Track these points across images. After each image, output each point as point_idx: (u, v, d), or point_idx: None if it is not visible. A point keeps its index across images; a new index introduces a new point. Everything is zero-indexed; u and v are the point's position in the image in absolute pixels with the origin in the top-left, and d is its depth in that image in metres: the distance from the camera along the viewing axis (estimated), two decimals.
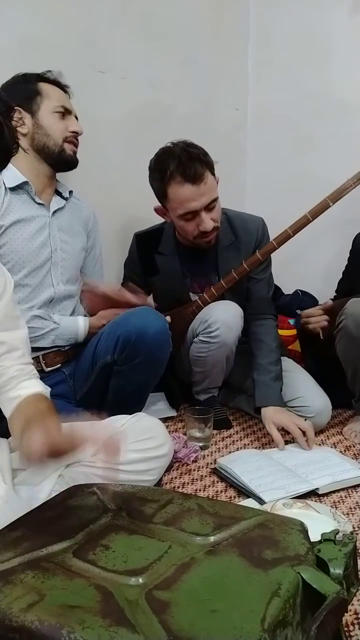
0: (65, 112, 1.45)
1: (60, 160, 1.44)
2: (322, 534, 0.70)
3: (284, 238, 1.61)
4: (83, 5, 1.71)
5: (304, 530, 0.71)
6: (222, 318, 1.62)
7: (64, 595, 0.63)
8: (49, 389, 1.06)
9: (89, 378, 1.39)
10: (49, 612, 0.59)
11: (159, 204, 1.65)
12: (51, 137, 1.42)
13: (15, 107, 1.37)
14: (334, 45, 2.17)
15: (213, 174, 1.58)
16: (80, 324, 1.43)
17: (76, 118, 1.49)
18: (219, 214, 1.63)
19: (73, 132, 1.45)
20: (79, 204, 1.55)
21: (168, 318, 1.63)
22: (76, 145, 1.48)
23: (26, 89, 1.41)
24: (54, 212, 1.45)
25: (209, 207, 1.55)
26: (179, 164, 1.50)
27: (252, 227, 1.73)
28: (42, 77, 1.44)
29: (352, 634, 0.87)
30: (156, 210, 1.67)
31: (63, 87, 1.48)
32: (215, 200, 1.58)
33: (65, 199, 1.50)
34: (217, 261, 1.72)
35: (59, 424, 0.88)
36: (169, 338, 1.35)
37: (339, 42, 2.15)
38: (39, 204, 1.42)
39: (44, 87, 1.43)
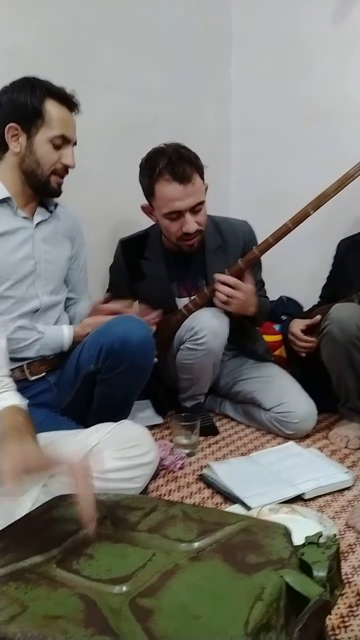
0: (64, 142, 1.36)
1: (43, 190, 1.40)
2: (306, 537, 0.70)
3: (266, 246, 1.63)
4: (66, 15, 1.72)
5: (287, 534, 0.71)
6: (209, 325, 1.62)
7: (47, 605, 0.62)
8: (27, 401, 1.05)
9: (73, 387, 1.39)
10: (31, 623, 0.59)
11: (146, 202, 1.66)
12: (40, 166, 1.35)
13: (12, 124, 1.32)
14: (314, 55, 2.20)
15: (202, 178, 1.60)
16: (64, 333, 1.42)
17: (75, 144, 1.42)
18: (204, 218, 1.65)
19: (65, 164, 1.38)
20: (64, 211, 1.54)
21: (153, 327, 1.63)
22: (63, 177, 1.41)
23: (30, 104, 1.31)
24: (38, 224, 1.44)
25: (194, 210, 1.58)
26: (168, 162, 1.53)
27: (239, 230, 1.76)
28: (51, 92, 1.34)
29: (338, 637, 0.87)
30: (143, 208, 1.69)
31: (73, 107, 1.39)
32: (202, 204, 1.60)
33: (50, 211, 1.48)
34: (205, 265, 1.73)
35: (34, 441, 0.88)
36: (152, 346, 1.35)
37: (320, 52, 2.18)
38: (22, 217, 1.41)
39: (49, 108, 1.33)
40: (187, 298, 1.75)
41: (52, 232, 1.47)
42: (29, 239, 1.40)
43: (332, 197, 1.61)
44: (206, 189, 1.65)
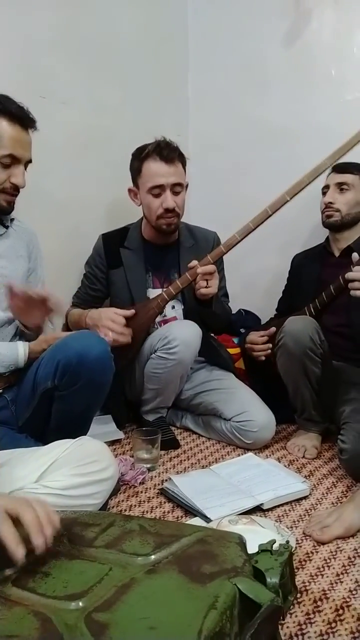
0: (13, 162, 1.33)
1: None
2: (259, 545, 0.72)
3: (246, 231, 1.68)
4: (23, 31, 1.73)
5: (241, 543, 0.72)
6: (182, 336, 1.66)
7: (1, 625, 0.61)
8: None
9: (30, 404, 1.36)
10: None
11: (132, 187, 1.84)
12: None
13: None
14: (269, 75, 2.27)
15: (184, 169, 1.81)
16: (20, 350, 1.39)
17: (29, 161, 1.39)
18: (183, 204, 1.81)
19: (13, 184, 1.35)
20: (20, 225, 1.53)
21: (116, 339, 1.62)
22: (14, 195, 1.39)
23: None
24: None
25: (174, 190, 1.76)
26: (157, 146, 1.76)
27: (209, 236, 1.95)
28: (1, 110, 1.30)
29: None
30: (129, 190, 1.85)
31: (27, 125, 1.35)
32: (181, 187, 1.78)
33: (7, 227, 1.47)
34: (179, 259, 1.87)
35: None
36: (111, 361, 1.34)
37: (274, 72, 2.25)
38: None
39: None
40: (160, 289, 1.83)
41: (8, 248, 1.46)
42: None
43: (307, 185, 1.65)
44: (186, 186, 1.82)
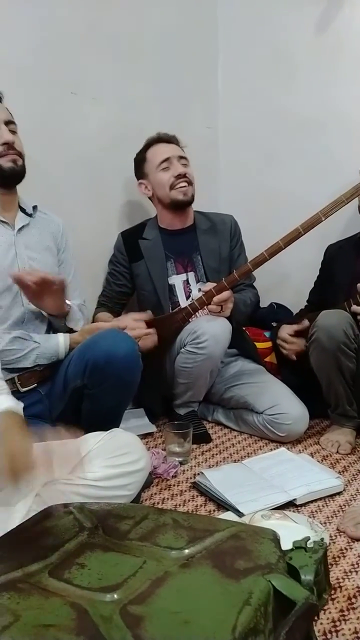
0: None
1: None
2: (294, 542, 0.71)
3: (261, 261, 1.66)
4: (54, 28, 1.74)
5: (275, 539, 0.72)
6: (211, 331, 1.66)
7: (39, 615, 0.63)
8: (22, 404, 1.06)
9: (62, 399, 1.38)
10: (23, 633, 0.59)
11: (141, 181, 1.91)
12: None
13: None
14: (298, 65, 2.22)
15: (183, 152, 1.91)
16: (60, 341, 1.41)
17: (11, 123, 1.39)
18: (191, 172, 1.88)
19: (3, 143, 1.35)
20: (46, 217, 1.52)
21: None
22: (15, 154, 1.38)
23: None
24: (19, 229, 1.43)
25: (181, 163, 1.86)
26: (156, 135, 1.91)
27: (226, 219, 1.98)
28: None
29: None
30: (139, 184, 1.92)
31: None
32: (187, 160, 1.89)
33: (30, 214, 1.47)
34: (198, 242, 1.91)
35: (26, 439, 0.89)
36: (138, 360, 1.34)
37: (304, 62, 2.21)
38: (1, 222, 1.40)
39: None
40: (184, 274, 1.89)
41: (35, 238, 1.46)
42: (12, 246, 1.40)
43: (345, 205, 1.61)
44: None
